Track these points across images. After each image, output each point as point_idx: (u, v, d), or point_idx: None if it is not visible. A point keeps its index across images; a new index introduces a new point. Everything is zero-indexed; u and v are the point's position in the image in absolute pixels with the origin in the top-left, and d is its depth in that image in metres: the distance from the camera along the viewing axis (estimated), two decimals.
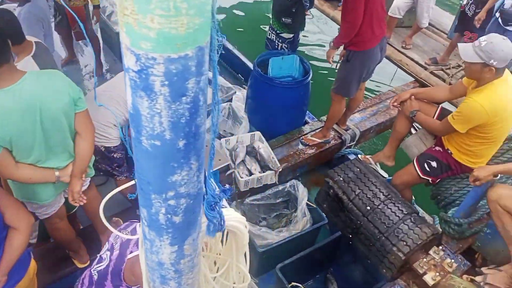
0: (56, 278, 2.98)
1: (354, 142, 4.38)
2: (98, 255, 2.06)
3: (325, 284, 3.43)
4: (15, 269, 2.05)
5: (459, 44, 2.73)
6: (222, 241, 1.62)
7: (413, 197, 3.58)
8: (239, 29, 7.52)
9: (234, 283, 1.72)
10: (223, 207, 1.47)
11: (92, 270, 2.06)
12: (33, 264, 2.25)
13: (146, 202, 1.11)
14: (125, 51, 0.81)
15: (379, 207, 2.47)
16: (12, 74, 2.01)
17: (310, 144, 4.14)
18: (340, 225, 2.76)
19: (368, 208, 2.49)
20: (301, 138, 4.22)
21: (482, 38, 2.60)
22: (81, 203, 2.50)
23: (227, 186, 1.37)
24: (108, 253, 1.99)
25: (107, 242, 2.05)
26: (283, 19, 4.31)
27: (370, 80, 6.67)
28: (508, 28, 4.47)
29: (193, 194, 1.10)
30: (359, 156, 3.70)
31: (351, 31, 3.36)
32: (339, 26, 3.64)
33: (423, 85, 5.10)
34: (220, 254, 1.72)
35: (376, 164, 3.63)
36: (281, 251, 3.31)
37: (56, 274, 2.98)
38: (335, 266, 3.53)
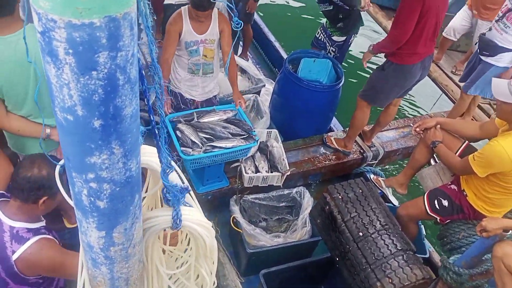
0: None
1: (376, 161, 4.15)
2: None
3: None
4: None
5: (493, 79, 2.47)
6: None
7: (424, 232, 3.34)
8: (288, 23, 7.34)
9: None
10: (186, 205, 1.38)
11: None
12: None
13: (70, 180, 1.03)
14: (31, 8, 0.72)
15: (372, 235, 2.29)
16: (12, 25, 1.98)
17: (328, 143, 3.98)
18: (329, 244, 2.60)
19: (361, 234, 2.31)
20: (325, 135, 4.05)
21: None
22: None
23: (185, 184, 1.28)
24: None
25: None
26: (338, 24, 4.15)
27: (410, 100, 6.40)
28: (483, 57, 3.98)
29: (119, 181, 1.01)
30: (371, 176, 3.49)
31: (395, 43, 3.17)
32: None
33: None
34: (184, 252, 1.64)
35: (388, 189, 3.42)
36: (271, 256, 3.18)
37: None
38: (327, 286, 3.36)
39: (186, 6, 3.18)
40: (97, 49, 0.73)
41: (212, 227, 1.44)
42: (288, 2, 8.08)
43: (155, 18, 4.90)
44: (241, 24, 2.40)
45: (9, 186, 1.94)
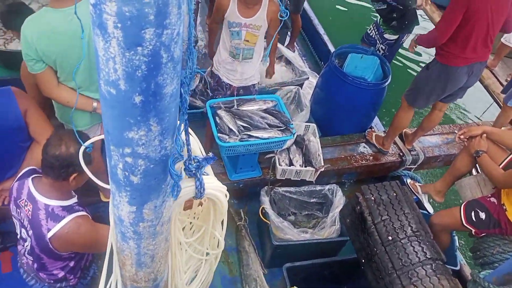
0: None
1: (415, 166, 4.02)
2: (18, 237, 2.06)
3: None
4: None
5: None
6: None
7: (457, 243, 3.23)
8: (339, 17, 7.19)
9: (207, 249, 1.70)
10: (204, 175, 1.40)
11: (22, 255, 2.08)
12: None
13: (108, 152, 1.06)
14: None
15: (402, 241, 2.23)
16: None
17: (367, 137, 3.95)
18: (357, 245, 2.55)
19: (390, 238, 2.26)
20: (367, 130, 4.02)
21: None
22: None
23: (210, 154, 1.29)
24: (24, 230, 1.99)
25: (13, 218, 2.04)
26: (392, 22, 4.03)
27: (459, 106, 6.14)
28: None
29: (153, 158, 1.02)
30: (408, 181, 3.39)
31: (432, 42, 3.15)
32: None
33: None
34: (197, 218, 1.68)
35: (424, 195, 3.31)
36: (297, 251, 3.17)
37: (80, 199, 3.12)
38: (350, 286, 3.31)
39: None
40: (144, 24, 0.73)
41: (240, 213, 1.47)
42: None
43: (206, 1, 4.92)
44: (288, 13, 2.35)
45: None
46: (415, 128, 3.96)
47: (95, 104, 2.35)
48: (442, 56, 3.16)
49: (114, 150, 1.01)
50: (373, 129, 4.08)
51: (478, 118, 5.64)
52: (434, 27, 3.28)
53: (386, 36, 4.18)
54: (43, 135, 2.05)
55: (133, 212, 1.18)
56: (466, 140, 2.96)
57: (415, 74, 5.65)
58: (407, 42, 4.35)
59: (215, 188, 1.41)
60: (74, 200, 2.00)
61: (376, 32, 4.24)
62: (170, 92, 0.89)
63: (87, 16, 1.32)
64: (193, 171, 1.23)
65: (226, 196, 1.46)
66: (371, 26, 4.31)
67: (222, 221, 1.60)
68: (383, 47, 4.24)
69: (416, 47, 3.40)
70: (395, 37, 4.17)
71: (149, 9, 0.72)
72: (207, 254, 1.72)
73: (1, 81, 3.67)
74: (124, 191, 1.12)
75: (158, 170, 1.07)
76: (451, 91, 3.33)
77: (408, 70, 6.14)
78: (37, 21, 2.08)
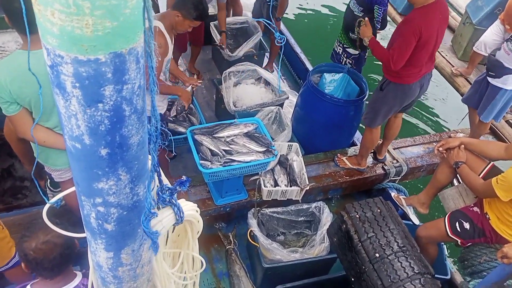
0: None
1: (399, 177, 4.06)
2: None
3: None
4: None
5: None
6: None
7: (446, 252, 3.25)
8: (315, 34, 7.30)
9: (185, 273, 1.64)
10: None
11: None
12: None
13: (80, 202, 1.05)
14: (41, 42, 0.74)
15: (389, 257, 2.23)
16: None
17: (340, 165, 3.91)
18: (345, 264, 2.55)
19: (377, 255, 2.26)
20: (335, 156, 3.98)
21: None
22: None
23: (183, 177, 1.29)
24: None
25: None
26: (350, 33, 4.08)
27: (436, 115, 6.24)
28: (489, 79, 3.85)
29: (126, 205, 1.02)
30: (392, 194, 3.41)
31: (387, 66, 3.12)
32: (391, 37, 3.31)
33: (494, 133, 4.60)
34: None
35: (408, 207, 3.33)
36: (288, 271, 3.16)
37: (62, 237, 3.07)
38: None
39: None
40: (102, 83, 0.74)
41: (229, 237, 1.43)
42: (317, 11, 8.04)
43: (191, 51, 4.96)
44: (285, 39, 2.38)
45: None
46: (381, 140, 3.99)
47: None
48: (396, 77, 3.20)
49: (85, 200, 1.01)
50: (340, 155, 4.00)
51: (455, 128, 5.73)
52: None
53: (350, 51, 4.25)
54: None
55: (111, 257, 1.17)
56: (444, 152, 3.00)
57: None
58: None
59: (190, 208, 1.39)
60: (79, 278, 1.88)
61: (341, 48, 4.32)
62: (136, 142, 0.90)
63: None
64: (167, 200, 1.23)
65: (197, 211, 1.43)
66: (336, 43, 4.38)
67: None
68: (350, 62, 4.31)
69: (368, 38, 3.35)
70: (358, 52, 4.24)
71: (106, 68, 0.73)
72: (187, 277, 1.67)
73: None
74: (99, 238, 1.11)
75: (132, 216, 1.06)
76: (406, 104, 3.41)
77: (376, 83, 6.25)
78: (10, 64, 2.08)
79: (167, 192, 1.25)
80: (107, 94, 0.76)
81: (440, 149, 2.98)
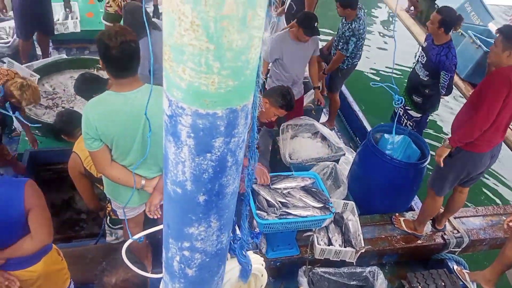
0: None
1: (459, 249, 3.84)
2: None
3: None
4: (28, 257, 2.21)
5: None
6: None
7: None
8: (375, 93, 7.29)
9: None
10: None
11: None
12: (52, 256, 2.38)
13: (165, 244, 1.09)
14: (164, 94, 0.81)
15: None
16: (132, 83, 2.22)
17: (396, 225, 3.77)
18: None
19: None
20: (393, 217, 3.85)
21: None
22: (155, 217, 2.60)
23: (256, 230, 1.31)
24: None
25: None
26: (414, 96, 4.07)
27: (503, 185, 5.90)
28: None
29: (210, 252, 1.05)
30: (455, 267, 3.21)
31: (478, 131, 2.91)
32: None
33: None
34: None
35: (472, 283, 3.11)
36: None
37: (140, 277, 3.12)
38: None
39: None
40: (215, 135, 0.80)
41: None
42: (377, 70, 8.06)
43: None
44: (402, 100, 2.49)
45: None
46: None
47: (143, 181, 2.44)
48: (468, 144, 3.03)
49: (172, 243, 1.04)
50: (398, 215, 3.88)
51: None
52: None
53: (411, 113, 4.21)
54: (37, 236, 2.13)
55: None
56: None
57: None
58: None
59: (258, 261, 1.41)
60: None
61: (402, 109, 4.29)
62: (231, 191, 0.94)
63: (151, 101, 1.41)
64: (236, 251, 1.25)
65: (262, 265, 1.44)
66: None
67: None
68: (411, 123, 4.25)
69: (446, 154, 3.14)
70: (420, 115, 4.18)
71: (220, 122, 0.78)
72: None
73: (55, 151, 3.91)
74: (178, 282, 1.13)
75: (213, 264, 1.08)
76: (474, 175, 3.26)
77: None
78: (99, 103, 2.25)
79: (238, 242, 1.27)
80: (216, 145, 0.81)
81: (511, 224, 2.82)
